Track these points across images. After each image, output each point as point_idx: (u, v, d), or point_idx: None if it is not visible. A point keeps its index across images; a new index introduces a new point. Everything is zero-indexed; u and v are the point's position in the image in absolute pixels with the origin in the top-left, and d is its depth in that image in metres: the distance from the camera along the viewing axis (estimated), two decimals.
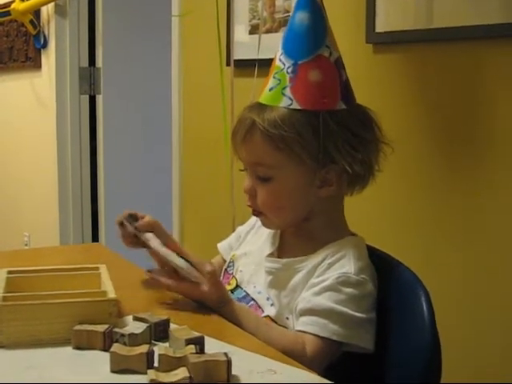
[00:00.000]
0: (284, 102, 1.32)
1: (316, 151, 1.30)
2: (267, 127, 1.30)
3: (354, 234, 1.41)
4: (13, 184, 4.65)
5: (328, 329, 1.25)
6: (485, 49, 1.83)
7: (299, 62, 1.33)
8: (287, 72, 1.33)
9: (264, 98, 1.36)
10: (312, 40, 1.34)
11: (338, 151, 1.30)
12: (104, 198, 4.10)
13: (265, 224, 1.43)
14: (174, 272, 1.35)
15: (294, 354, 1.16)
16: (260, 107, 1.35)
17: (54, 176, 4.10)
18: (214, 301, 1.31)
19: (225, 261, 1.56)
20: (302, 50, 1.34)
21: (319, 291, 1.28)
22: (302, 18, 1.35)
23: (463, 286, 1.90)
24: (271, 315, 1.34)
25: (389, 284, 1.33)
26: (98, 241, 4.07)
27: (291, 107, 1.31)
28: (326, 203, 1.37)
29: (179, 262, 1.34)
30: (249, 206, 1.41)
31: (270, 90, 1.35)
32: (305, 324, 1.27)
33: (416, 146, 1.99)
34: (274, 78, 1.36)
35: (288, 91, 1.32)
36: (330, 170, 1.32)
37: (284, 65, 1.34)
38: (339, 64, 1.36)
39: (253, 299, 1.39)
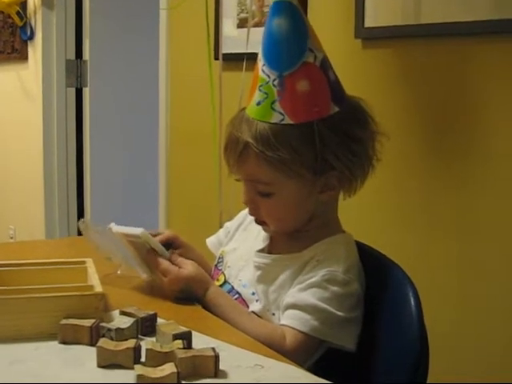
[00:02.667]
0: (275, 118, 1.28)
1: (314, 163, 1.28)
2: (262, 149, 1.27)
3: (343, 232, 1.40)
4: None
5: (308, 324, 1.25)
6: (473, 45, 1.83)
7: (284, 74, 1.28)
8: (273, 85, 1.29)
9: (253, 112, 1.31)
10: (294, 47, 1.29)
11: (337, 158, 1.28)
12: (90, 192, 4.08)
13: (267, 231, 1.42)
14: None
15: (273, 346, 1.17)
16: (249, 123, 1.30)
17: (39, 169, 4.08)
18: (198, 281, 1.34)
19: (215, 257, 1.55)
20: (285, 60, 1.29)
21: (305, 287, 1.28)
22: (278, 23, 1.29)
23: (455, 283, 1.91)
24: (256, 311, 1.34)
25: (378, 281, 1.33)
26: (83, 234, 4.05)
27: (283, 122, 1.27)
28: (326, 205, 1.36)
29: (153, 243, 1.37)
30: (251, 215, 1.40)
31: (258, 104, 1.30)
32: (287, 318, 1.28)
33: (405, 140, 1.99)
34: (259, 90, 1.31)
35: (278, 106, 1.28)
36: (330, 177, 1.31)
37: (269, 77, 1.29)
38: (325, 66, 1.31)
39: (238, 293, 1.39)
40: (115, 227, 1.41)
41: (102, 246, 1.50)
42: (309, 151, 1.27)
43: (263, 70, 1.31)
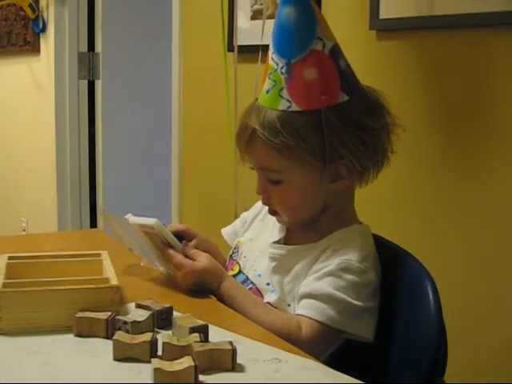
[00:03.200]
0: (283, 105, 1.28)
1: (322, 151, 1.27)
2: (268, 136, 1.27)
3: (360, 223, 1.39)
4: (11, 169, 4.63)
5: (325, 314, 1.24)
6: (486, 36, 1.81)
7: (292, 62, 1.28)
8: (281, 73, 1.29)
9: (263, 100, 1.32)
10: (302, 35, 1.29)
11: (345, 147, 1.27)
12: (102, 184, 4.08)
13: (281, 221, 1.41)
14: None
15: (289, 336, 1.17)
16: (259, 111, 1.31)
17: (52, 161, 4.08)
18: (212, 274, 1.33)
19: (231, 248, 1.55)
20: (293, 48, 1.29)
21: (320, 276, 1.28)
22: (287, 13, 1.30)
23: (470, 276, 1.89)
24: (271, 301, 1.33)
25: (396, 274, 1.32)
26: (96, 227, 4.05)
27: (291, 109, 1.28)
28: (339, 194, 1.35)
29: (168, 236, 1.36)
30: (264, 204, 1.39)
31: (267, 91, 1.31)
32: (303, 308, 1.27)
33: (420, 133, 1.98)
34: (269, 78, 1.32)
35: (285, 93, 1.28)
36: (339, 166, 1.30)
37: (277, 65, 1.30)
38: (335, 54, 1.31)
39: (252, 283, 1.39)
40: (131, 218, 1.40)
41: (123, 237, 1.50)
42: (316, 139, 1.27)
43: (272, 58, 1.32)
